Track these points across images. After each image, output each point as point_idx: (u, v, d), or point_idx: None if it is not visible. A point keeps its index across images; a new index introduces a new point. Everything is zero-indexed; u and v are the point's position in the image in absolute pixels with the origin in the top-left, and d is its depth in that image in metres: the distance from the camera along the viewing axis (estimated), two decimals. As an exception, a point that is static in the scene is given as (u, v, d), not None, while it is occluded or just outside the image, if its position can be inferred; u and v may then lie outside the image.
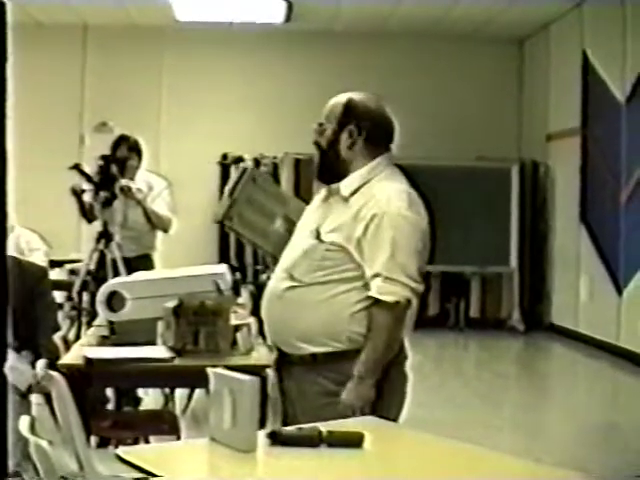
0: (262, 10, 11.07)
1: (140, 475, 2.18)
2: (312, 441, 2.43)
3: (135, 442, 4.56)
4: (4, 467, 1.79)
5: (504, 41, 12.41)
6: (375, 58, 12.29)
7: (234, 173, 12.24)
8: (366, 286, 3.20)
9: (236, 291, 5.02)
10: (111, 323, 4.29)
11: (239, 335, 4.16)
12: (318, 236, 3.26)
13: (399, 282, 3.16)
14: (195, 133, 12.09)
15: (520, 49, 12.67)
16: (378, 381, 3.19)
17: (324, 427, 2.49)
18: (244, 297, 5.92)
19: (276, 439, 2.44)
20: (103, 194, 6.70)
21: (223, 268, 4.60)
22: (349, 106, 3.34)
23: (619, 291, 9.78)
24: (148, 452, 2.68)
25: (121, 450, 2.38)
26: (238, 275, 5.40)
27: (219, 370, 2.48)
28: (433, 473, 2.36)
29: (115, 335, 4.25)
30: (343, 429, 2.54)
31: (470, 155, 11.59)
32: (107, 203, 6.71)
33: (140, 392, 6.15)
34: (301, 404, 3.31)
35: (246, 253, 11.99)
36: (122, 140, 7.08)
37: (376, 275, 3.17)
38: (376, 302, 3.18)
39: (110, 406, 5.51)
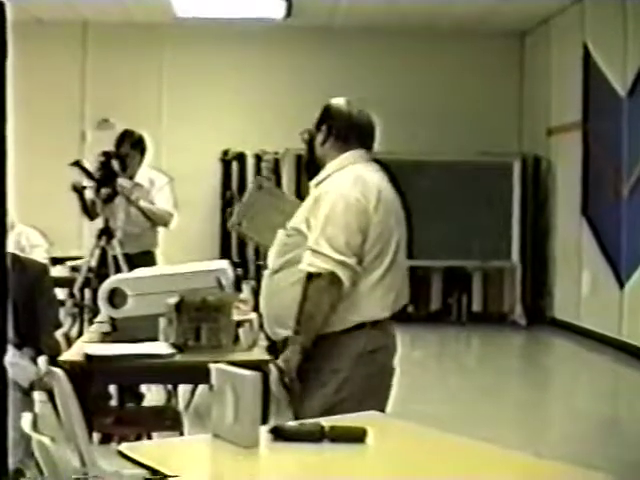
0: (262, 6, 11.05)
1: (142, 471, 2.18)
2: (314, 436, 2.43)
3: (138, 438, 4.56)
4: (4, 466, 1.79)
5: (505, 35, 12.41)
6: (375, 54, 12.31)
7: (235, 169, 12.30)
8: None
9: (238, 287, 5.03)
10: (113, 320, 4.29)
11: (241, 331, 4.15)
12: (285, 225, 3.57)
13: (322, 254, 3.36)
14: (196, 129, 12.10)
15: (521, 43, 12.66)
16: (329, 360, 3.39)
17: (327, 422, 2.49)
18: (246, 293, 5.92)
19: (278, 434, 2.43)
20: (104, 191, 6.69)
21: (224, 264, 4.59)
22: (326, 109, 3.71)
23: (621, 285, 9.78)
24: (150, 448, 2.67)
25: (123, 446, 2.37)
26: (240, 271, 5.40)
27: (221, 366, 2.48)
28: (435, 468, 2.35)
29: (117, 332, 4.24)
30: (346, 424, 2.54)
31: (472, 150, 11.58)
32: (108, 200, 6.71)
33: (143, 388, 6.16)
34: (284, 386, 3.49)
35: (248, 249, 11.99)
36: (126, 136, 7.06)
37: (308, 249, 3.40)
38: (308, 275, 3.38)
39: (113, 402, 5.51)
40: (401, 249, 3.58)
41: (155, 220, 6.98)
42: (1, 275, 1.74)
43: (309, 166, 3.72)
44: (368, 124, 3.72)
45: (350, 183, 3.47)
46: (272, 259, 3.56)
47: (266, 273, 3.59)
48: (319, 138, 3.66)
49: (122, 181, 6.76)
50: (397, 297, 3.56)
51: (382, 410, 3.34)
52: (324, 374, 3.43)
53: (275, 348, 3.60)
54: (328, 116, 3.68)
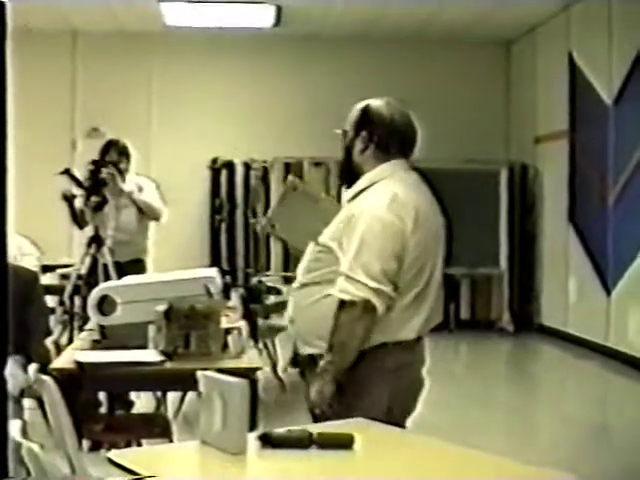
0: (251, 15, 11.07)
1: (131, 478, 2.19)
2: (302, 443, 2.44)
3: (127, 445, 4.55)
4: (4, 467, 1.81)
5: (491, 44, 12.46)
6: (364, 62, 12.33)
7: (224, 177, 12.31)
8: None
9: (226, 294, 5.06)
10: (102, 327, 4.30)
11: (230, 338, 4.18)
12: (316, 239, 3.34)
13: (358, 281, 3.16)
14: (185, 137, 12.11)
15: (508, 51, 12.71)
16: (355, 386, 3.21)
17: (315, 429, 2.50)
18: (235, 300, 5.96)
19: (266, 441, 2.44)
20: (94, 199, 6.73)
21: (213, 272, 4.62)
22: (365, 112, 3.42)
23: (608, 292, 9.81)
24: (139, 455, 2.68)
25: (112, 453, 2.38)
26: (228, 278, 5.45)
27: (209, 373, 2.49)
28: (422, 475, 2.35)
29: (106, 339, 4.26)
30: (334, 431, 2.54)
31: (459, 158, 11.62)
32: (98, 208, 6.75)
33: (132, 396, 6.18)
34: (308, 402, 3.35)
35: (237, 257, 12.02)
36: (111, 145, 7.16)
37: (341, 274, 3.20)
38: (340, 302, 3.19)
39: (102, 410, 5.52)
40: (438, 267, 3.37)
41: (148, 213, 7.07)
42: (1, 286, 1.77)
43: (345, 173, 3.47)
44: (411, 130, 3.45)
45: (386, 203, 3.21)
46: (301, 271, 3.37)
47: (294, 285, 3.42)
48: (358, 145, 3.39)
49: (107, 171, 6.83)
50: (430, 317, 3.37)
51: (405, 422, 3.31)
52: (348, 395, 3.24)
53: (297, 360, 3.52)
54: (368, 120, 3.41)
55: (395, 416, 3.22)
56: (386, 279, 3.17)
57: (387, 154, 3.37)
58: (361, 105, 3.46)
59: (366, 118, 3.40)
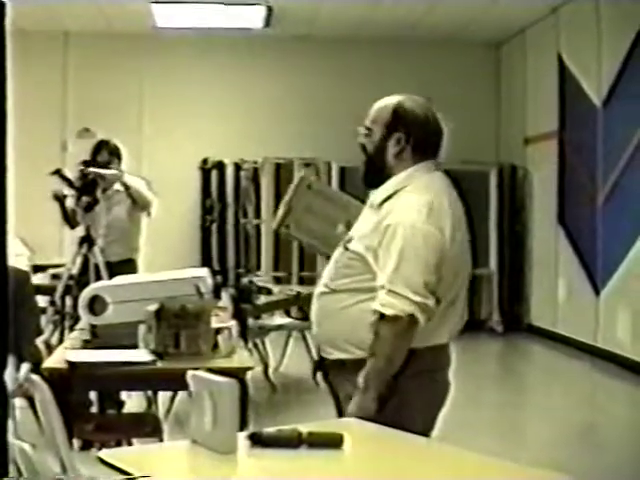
0: (242, 15, 11.07)
1: (121, 477, 2.20)
2: (292, 442, 2.43)
3: (118, 445, 4.56)
4: (4, 466, 1.83)
5: (481, 45, 12.49)
6: (354, 63, 12.35)
7: (215, 178, 12.32)
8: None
9: (217, 294, 5.07)
10: (93, 327, 4.31)
11: (220, 338, 4.18)
12: (346, 245, 3.23)
13: (401, 296, 3.06)
14: (176, 138, 12.10)
15: (497, 53, 12.74)
16: (390, 394, 3.14)
17: (304, 428, 2.48)
18: (225, 300, 5.96)
19: (256, 440, 2.44)
20: (85, 199, 6.75)
21: (204, 272, 4.63)
22: (398, 112, 3.24)
23: (597, 292, 9.84)
24: (130, 454, 2.66)
25: (103, 452, 2.38)
26: (219, 278, 5.47)
27: (198, 373, 2.48)
28: (412, 474, 2.36)
29: (97, 339, 4.26)
30: (323, 430, 2.53)
31: (449, 158, 11.60)
32: (89, 208, 6.77)
33: (123, 395, 6.18)
34: (336, 405, 3.36)
35: (228, 257, 12.03)
36: (102, 145, 7.19)
37: (381, 287, 3.09)
38: (380, 315, 3.09)
39: (93, 409, 5.53)
40: (468, 270, 3.34)
41: (139, 200, 7.10)
42: (1, 291, 1.78)
43: (372, 175, 3.28)
44: (440, 128, 3.30)
45: (425, 214, 3.09)
46: (329, 277, 3.27)
47: (320, 289, 3.30)
48: (392, 148, 3.22)
49: (94, 170, 6.88)
50: (460, 320, 3.35)
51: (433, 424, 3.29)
52: (388, 406, 3.14)
53: (322, 364, 3.41)
54: (402, 121, 3.23)
55: (428, 420, 3.26)
56: (428, 292, 3.08)
57: (422, 156, 3.23)
58: (390, 103, 3.28)
59: (400, 118, 3.23)
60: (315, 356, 3.49)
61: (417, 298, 3.06)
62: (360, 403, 3.10)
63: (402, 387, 3.16)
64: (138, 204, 7.15)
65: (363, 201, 3.46)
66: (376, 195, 3.23)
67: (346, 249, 3.22)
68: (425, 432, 3.16)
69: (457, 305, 3.29)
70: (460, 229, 3.23)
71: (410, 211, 3.11)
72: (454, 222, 3.17)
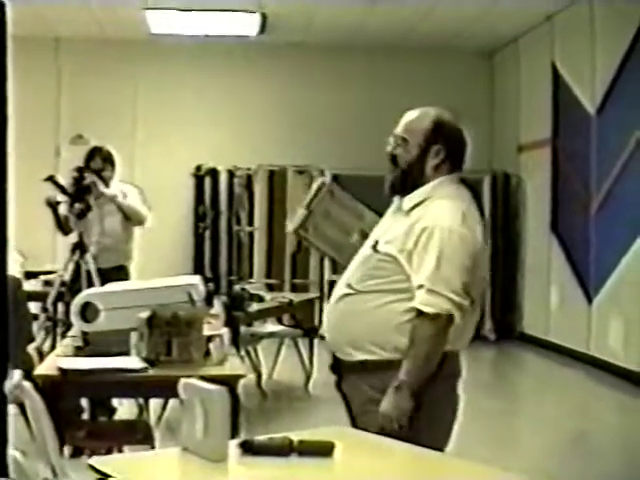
0: (236, 23, 11.11)
1: None
2: (283, 450, 2.43)
3: (109, 452, 4.56)
4: (4, 466, 1.83)
5: (475, 53, 12.54)
6: (348, 70, 12.39)
7: (208, 184, 12.33)
8: (413, 298, 3.19)
9: (209, 302, 5.06)
10: (85, 334, 4.30)
11: (212, 345, 4.18)
12: (375, 246, 3.27)
13: (441, 295, 3.13)
14: (170, 145, 12.13)
15: (491, 61, 12.80)
16: (419, 395, 3.17)
17: (295, 436, 2.49)
18: (217, 308, 5.96)
19: (247, 449, 2.44)
20: (78, 206, 6.75)
21: (196, 279, 4.62)
22: (438, 124, 3.32)
23: (589, 300, 9.87)
24: (120, 462, 2.68)
25: (94, 460, 2.38)
26: (211, 286, 5.45)
27: (189, 380, 2.49)
28: None
29: (89, 346, 4.26)
30: (314, 438, 2.53)
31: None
32: (82, 214, 6.77)
33: (114, 402, 6.18)
34: (353, 409, 3.35)
35: (221, 264, 12.04)
36: (96, 151, 7.20)
37: (420, 287, 3.16)
38: (419, 313, 3.16)
39: (85, 416, 5.53)
40: (486, 279, 3.43)
41: (133, 217, 7.13)
42: (1, 304, 1.78)
43: (405, 184, 3.33)
44: (467, 143, 3.40)
45: (460, 218, 3.20)
46: (355, 279, 3.30)
47: (342, 291, 3.34)
48: (432, 161, 3.29)
49: (90, 176, 6.86)
50: (474, 328, 3.40)
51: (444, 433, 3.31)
52: (422, 407, 3.20)
53: (337, 366, 3.41)
54: (442, 134, 3.31)
55: (451, 426, 3.32)
56: (465, 293, 3.17)
57: (453, 167, 3.33)
58: (429, 114, 3.35)
59: (440, 130, 3.31)
60: (330, 359, 3.46)
61: (456, 298, 3.14)
62: (396, 402, 3.15)
63: (432, 390, 3.20)
64: (132, 220, 7.15)
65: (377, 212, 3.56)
66: (405, 201, 3.30)
67: (376, 251, 3.26)
68: (447, 438, 3.28)
69: (477, 310, 3.36)
70: (484, 239, 3.33)
71: (445, 215, 3.21)
72: (482, 232, 3.29)
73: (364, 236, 3.51)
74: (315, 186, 3.76)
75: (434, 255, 3.14)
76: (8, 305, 1.83)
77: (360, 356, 3.26)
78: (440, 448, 3.12)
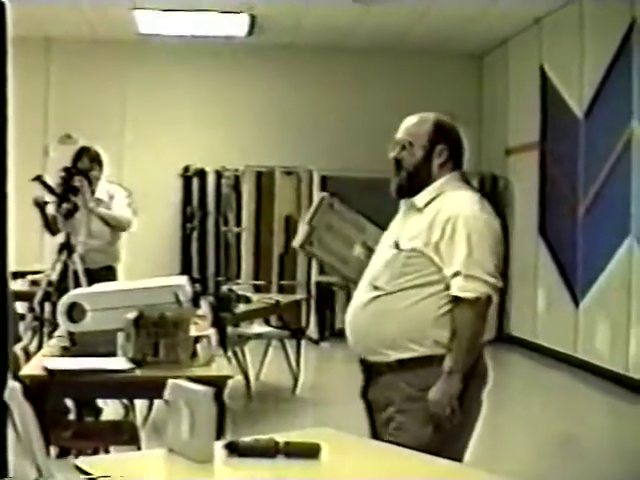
0: (225, 23, 11.11)
1: None
2: (269, 452, 2.45)
3: (95, 452, 4.57)
4: (4, 466, 1.82)
5: (464, 56, 12.57)
6: (336, 72, 12.42)
7: (196, 185, 12.33)
8: (448, 289, 3.26)
9: (195, 303, 5.06)
10: (72, 334, 4.30)
11: (199, 346, 4.18)
12: (397, 246, 3.34)
13: (478, 279, 3.22)
14: (158, 145, 12.12)
15: (479, 64, 12.83)
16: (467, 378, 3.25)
17: (281, 438, 2.50)
18: (204, 308, 5.95)
19: (233, 450, 2.45)
20: (65, 206, 6.74)
21: (183, 280, 4.61)
22: (439, 126, 3.46)
23: (576, 303, 9.90)
24: (106, 462, 2.70)
25: (80, 460, 2.40)
26: (198, 287, 5.44)
27: (176, 381, 2.50)
28: None
29: (76, 346, 4.25)
30: (300, 440, 2.55)
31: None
32: (69, 214, 6.75)
33: (100, 402, 6.17)
34: (387, 411, 3.34)
35: (208, 265, 12.03)
36: (83, 151, 7.18)
37: (456, 274, 3.24)
38: (458, 300, 3.24)
39: (71, 416, 5.52)
40: None
41: (114, 225, 7.09)
42: (2, 313, 1.77)
43: (414, 184, 3.43)
44: (465, 141, 3.57)
45: (478, 205, 3.36)
46: (383, 280, 3.35)
47: (368, 295, 3.38)
48: (437, 160, 3.41)
49: (79, 179, 6.85)
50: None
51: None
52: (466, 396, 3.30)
53: (369, 371, 3.44)
54: (443, 135, 3.46)
55: (474, 421, 3.41)
56: (498, 274, 3.29)
57: (455, 165, 3.45)
58: (430, 118, 3.48)
59: (442, 131, 3.45)
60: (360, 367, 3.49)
61: (492, 280, 3.24)
62: (447, 388, 3.21)
63: (467, 391, 3.27)
64: (115, 228, 7.14)
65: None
66: (418, 199, 3.40)
67: (400, 250, 3.33)
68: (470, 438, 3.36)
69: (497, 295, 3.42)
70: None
71: (466, 204, 3.34)
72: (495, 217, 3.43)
73: (367, 248, 3.63)
74: (315, 201, 3.85)
75: (463, 242, 3.24)
76: (9, 315, 1.83)
77: (397, 355, 3.29)
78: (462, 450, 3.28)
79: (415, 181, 3.41)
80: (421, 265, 3.29)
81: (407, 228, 3.39)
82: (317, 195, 11.83)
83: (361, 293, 3.41)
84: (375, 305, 3.34)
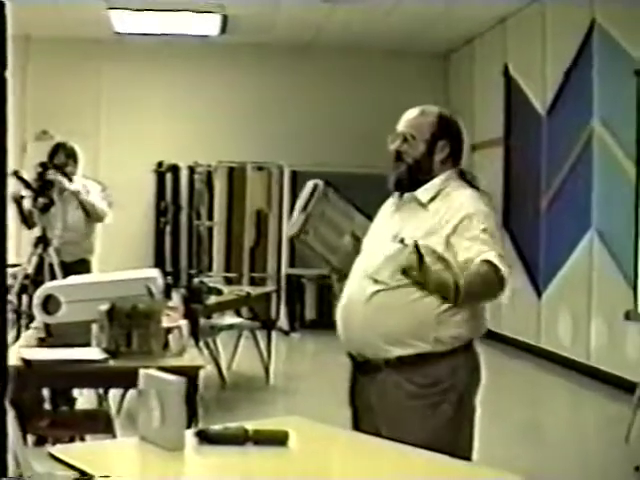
0: (198, 23, 11.15)
1: (72, 473, 2.24)
2: (238, 439, 2.48)
3: (71, 440, 4.57)
4: (4, 466, 1.92)
5: (431, 55, 12.65)
6: (307, 70, 12.47)
7: (169, 180, 12.38)
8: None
9: (167, 294, 5.14)
10: (47, 325, 4.34)
11: (171, 337, 4.23)
12: (402, 241, 3.17)
13: (504, 263, 3.11)
14: (132, 141, 12.13)
15: (446, 63, 12.92)
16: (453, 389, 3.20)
17: (251, 425, 2.54)
18: (176, 300, 6.03)
19: (203, 437, 2.48)
20: (41, 200, 6.83)
21: (155, 272, 4.66)
22: (442, 121, 3.36)
23: (539, 294, 10.03)
24: (81, 451, 2.71)
25: (55, 449, 2.43)
26: (170, 279, 5.54)
27: (147, 371, 2.53)
28: (354, 470, 2.44)
29: (51, 337, 4.29)
30: (269, 428, 2.59)
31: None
32: (45, 209, 6.84)
33: (75, 392, 6.25)
34: (382, 409, 3.24)
35: (181, 258, 12.09)
36: (59, 147, 7.27)
37: (485, 260, 3.08)
38: (486, 262, 3.08)
39: (46, 406, 5.59)
40: None
41: (92, 214, 7.19)
42: (2, 311, 1.85)
43: (415, 179, 3.32)
44: (465, 137, 3.46)
45: (485, 202, 3.27)
46: (388, 274, 3.18)
47: (370, 289, 3.22)
48: (439, 155, 3.32)
49: (53, 173, 6.93)
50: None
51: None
52: (441, 391, 3.21)
53: (363, 367, 3.30)
54: (446, 130, 3.36)
55: (470, 415, 3.33)
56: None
57: (456, 161, 3.38)
58: (433, 111, 3.38)
59: (444, 126, 3.36)
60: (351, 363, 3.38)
61: (507, 271, 3.11)
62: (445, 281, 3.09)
63: (461, 379, 3.24)
64: (92, 217, 7.25)
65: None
66: (421, 194, 3.29)
67: (406, 245, 3.14)
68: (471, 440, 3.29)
69: None
70: None
71: (475, 202, 3.24)
72: None
73: (355, 237, 3.50)
74: (308, 188, 3.59)
75: (483, 234, 3.14)
76: (7, 312, 1.93)
77: (399, 351, 3.18)
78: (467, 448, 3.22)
79: (415, 175, 3.31)
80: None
81: (411, 223, 3.26)
82: (287, 189, 11.92)
83: (359, 287, 3.26)
84: (377, 299, 3.20)
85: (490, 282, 3.10)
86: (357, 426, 3.33)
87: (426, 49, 12.40)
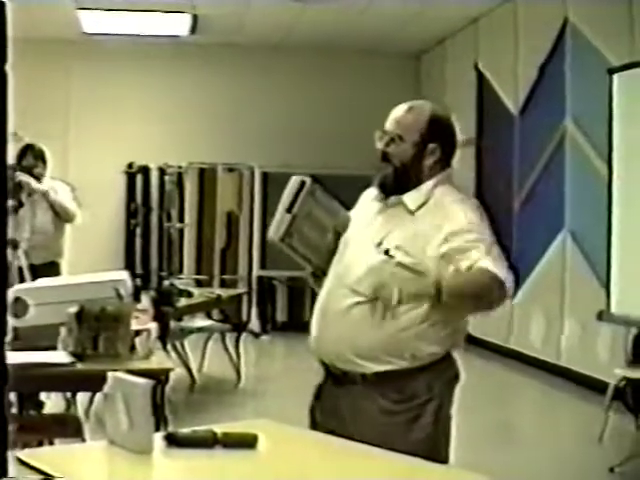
0: (168, 23, 11.14)
1: (40, 477, 2.22)
2: (207, 442, 2.47)
3: (40, 445, 4.54)
4: (4, 466, 1.88)
5: (403, 55, 12.67)
6: (278, 70, 12.46)
7: (139, 182, 12.34)
8: (433, 305, 2.97)
9: (136, 297, 5.11)
10: (15, 329, 4.28)
11: (138, 340, 4.22)
12: (387, 252, 2.96)
13: (502, 270, 2.93)
14: (102, 142, 12.09)
15: (418, 63, 12.95)
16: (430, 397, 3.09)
17: (219, 428, 2.52)
18: (146, 303, 6.00)
19: (172, 441, 2.47)
20: (10, 202, 6.78)
21: (124, 275, 4.63)
22: (434, 122, 3.10)
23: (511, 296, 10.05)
24: (48, 455, 2.70)
25: (23, 453, 2.38)
26: (139, 281, 5.51)
27: (115, 374, 2.52)
28: (324, 473, 2.41)
29: (19, 340, 4.23)
30: (238, 431, 2.57)
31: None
32: (13, 211, 6.80)
33: (42, 396, 6.21)
34: (356, 423, 3.08)
35: (151, 260, 12.06)
36: (28, 149, 7.23)
37: (481, 267, 2.90)
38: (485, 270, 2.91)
39: (13, 410, 5.53)
40: None
41: (62, 214, 7.16)
42: (1, 304, 1.80)
43: (404, 182, 3.09)
44: (458, 138, 3.25)
45: (479, 212, 3.09)
46: (366, 286, 3.00)
47: (349, 301, 3.05)
48: (428, 159, 3.08)
49: (24, 176, 6.88)
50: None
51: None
52: (417, 406, 3.07)
53: (337, 379, 3.16)
54: (438, 132, 3.10)
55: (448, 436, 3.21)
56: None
57: (446, 165, 3.14)
58: (425, 111, 3.13)
59: (436, 129, 3.09)
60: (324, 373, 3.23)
61: (506, 277, 2.95)
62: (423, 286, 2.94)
63: (438, 392, 3.11)
64: (61, 217, 7.21)
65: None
66: (408, 201, 3.08)
67: (391, 257, 2.95)
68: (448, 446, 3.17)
69: None
70: None
71: (467, 213, 3.04)
72: None
73: (336, 234, 3.27)
74: (294, 186, 3.28)
75: (477, 242, 2.96)
76: (6, 312, 1.87)
77: (375, 367, 3.04)
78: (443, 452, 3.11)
79: (402, 179, 3.08)
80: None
81: (396, 232, 3.06)
82: (258, 191, 11.87)
83: (338, 296, 3.09)
84: (356, 312, 3.03)
85: (483, 286, 2.90)
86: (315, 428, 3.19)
87: (398, 49, 12.41)
